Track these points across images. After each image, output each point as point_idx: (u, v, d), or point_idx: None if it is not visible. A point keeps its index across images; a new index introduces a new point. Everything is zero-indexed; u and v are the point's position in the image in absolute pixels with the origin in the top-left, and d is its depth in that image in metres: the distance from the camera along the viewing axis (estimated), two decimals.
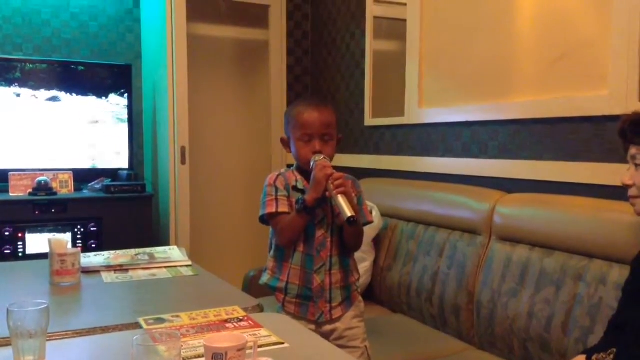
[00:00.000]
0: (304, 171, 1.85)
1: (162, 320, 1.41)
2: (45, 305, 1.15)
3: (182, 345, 1.01)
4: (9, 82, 3.17)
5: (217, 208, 3.94)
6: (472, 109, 2.55)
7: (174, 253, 2.20)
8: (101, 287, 1.82)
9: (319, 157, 1.78)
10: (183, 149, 3.29)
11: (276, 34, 3.82)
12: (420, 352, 2.15)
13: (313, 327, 1.80)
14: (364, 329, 1.91)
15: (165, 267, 2.04)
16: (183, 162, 3.30)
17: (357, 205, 1.85)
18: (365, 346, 1.88)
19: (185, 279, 1.94)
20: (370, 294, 2.64)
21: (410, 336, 2.28)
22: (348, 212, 1.68)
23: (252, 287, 2.66)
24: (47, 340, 1.16)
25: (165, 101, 3.29)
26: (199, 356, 1.14)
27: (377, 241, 2.66)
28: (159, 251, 2.23)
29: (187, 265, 2.06)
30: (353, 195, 1.82)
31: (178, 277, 1.95)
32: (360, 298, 1.96)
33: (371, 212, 2.22)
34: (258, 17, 3.86)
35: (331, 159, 1.82)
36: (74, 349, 1.26)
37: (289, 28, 3.85)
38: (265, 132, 3.89)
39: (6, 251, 2.92)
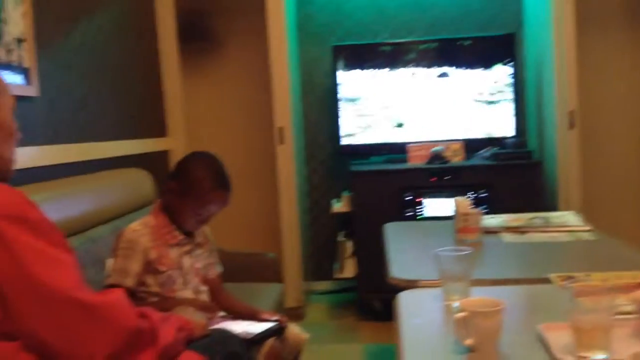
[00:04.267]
0: None
1: (573, 278, 1.41)
2: (470, 251, 1.27)
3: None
4: (405, 63, 3.54)
5: (610, 172, 3.66)
6: None
7: (569, 218, 2.16)
8: (501, 246, 1.92)
9: None
10: (571, 113, 3.16)
11: None
12: None
13: None
14: None
15: (564, 231, 2.02)
16: (571, 126, 3.17)
17: None
18: None
19: (587, 243, 1.89)
20: None
21: None
22: None
23: None
24: None
25: (551, 65, 3.20)
26: (624, 313, 1.11)
27: None
28: (553, 216, 2.22)
29: (586, 230, 2.00)
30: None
31: (579, 241, 1.91)
32: None
33: None
34: None
35: None
36: (491, 296, 1.36)
37: None
38: None
39: (407, 214, 3.30)
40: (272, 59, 3.29)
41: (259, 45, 3.54)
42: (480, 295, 1.18)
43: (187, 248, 1.75)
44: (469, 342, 1.01)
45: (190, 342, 1.33)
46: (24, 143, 1.82)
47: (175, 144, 3.31)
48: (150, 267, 1.66)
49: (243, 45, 3.91)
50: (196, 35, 3.87)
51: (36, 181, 1.88)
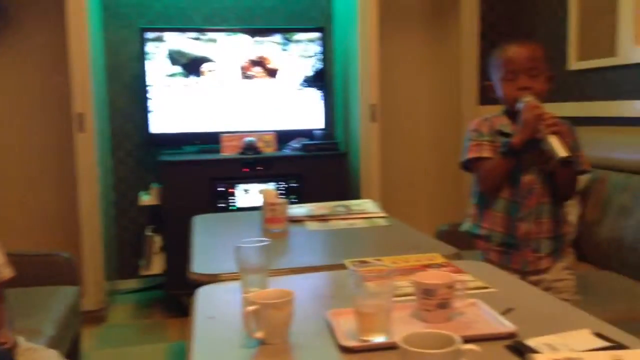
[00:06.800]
0: (512, 115, 1.76)
1: (366, 263, 1.46)
2: (268, 242, 1.26)
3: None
4: (216, 53, 3.46)
5: (407, 163, 3.96)
6: None
7: (368, 205, 2.28)
8: (306, 234, 1.95)
9: (528, 98, 1.68)
10: (373, 107, 3.34)
11: None
12: (635, 310, 1.96)
13: (517, 277, 1.75)
14: (574, 282, 1.79)
15: (362, 218, 2.12)
16: (373, 119, 3.36)
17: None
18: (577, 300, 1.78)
19: (382, 229, 1.99)
20: (575, 250, 2.46)
21: (622, 293, 2.10)
22: (561, 151, 1.58)
23: (443, 240, 2.64)
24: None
25: (356, 61, 3.36)
26: (405, 295, 1.17)
27: (583, 194, 2.46)
28: (354, 204, 2.32)
29: (382, 217, 2.11)
30: (568, 140, 1.69)
31: (375, 227, 2.01)
32: (571, 250, 1.84)
33: None
34: None
35: (542, 96, 1.71)
36: (289, 285, 1.36)
37: None
38: (455, 86, 3.78)
39: (220, 205, 3.24)
40: (70, 38, 3.01)
41: (58, 23, 3.21)
42: (278, 286, 1.17)
43: None
44: (258, 334, 0.99)
45: None
46: None
47: None
48: None
49: (40, 23, 3.51)
50: None
51: None
